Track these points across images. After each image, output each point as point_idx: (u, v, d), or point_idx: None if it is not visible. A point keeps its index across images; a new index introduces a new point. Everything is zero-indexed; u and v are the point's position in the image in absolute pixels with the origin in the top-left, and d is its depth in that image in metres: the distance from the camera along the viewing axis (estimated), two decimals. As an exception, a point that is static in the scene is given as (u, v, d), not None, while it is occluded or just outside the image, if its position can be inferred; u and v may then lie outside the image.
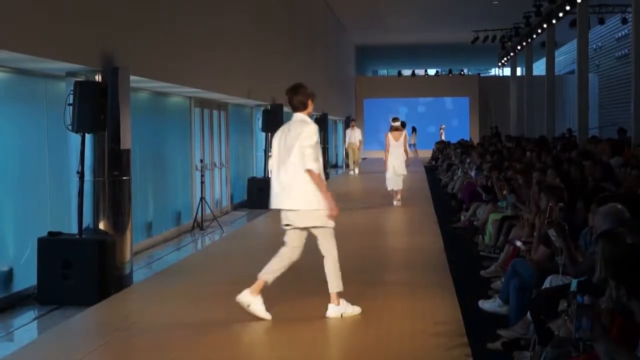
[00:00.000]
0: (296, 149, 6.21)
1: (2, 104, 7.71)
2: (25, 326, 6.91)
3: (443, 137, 34.90)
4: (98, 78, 7.87)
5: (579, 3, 21.35)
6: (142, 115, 10.54)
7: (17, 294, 7.64)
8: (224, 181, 15.43)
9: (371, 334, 6.06)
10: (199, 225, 12.75)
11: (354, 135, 25.67)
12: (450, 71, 41.15)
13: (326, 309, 6.40)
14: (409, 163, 15.59)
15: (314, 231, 6.35)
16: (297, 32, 21.42)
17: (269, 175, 6.30)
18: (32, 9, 6.76)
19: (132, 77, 8.49)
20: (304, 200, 6.20)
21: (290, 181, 6.23)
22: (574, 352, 3.95)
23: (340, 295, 6.39)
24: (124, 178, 8.21)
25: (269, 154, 6.70)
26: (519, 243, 7.03)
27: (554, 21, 24.21)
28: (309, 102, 6.48)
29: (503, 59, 37.48)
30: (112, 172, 8.04)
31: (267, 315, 6.27)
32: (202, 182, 12.88)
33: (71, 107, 7.60)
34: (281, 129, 6.57)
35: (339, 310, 6.36)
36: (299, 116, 6.46)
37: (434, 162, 29.31)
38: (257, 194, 15.94)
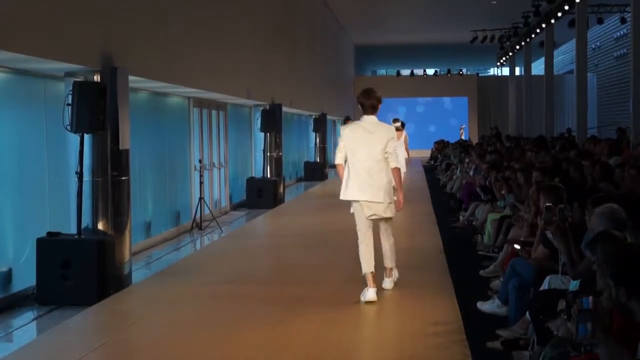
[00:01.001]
0: (383, 149, 6.98)
1: (1, 105, 7.70)
2: (25, 326, 6.90)
3: (463, 137, 34.66)
4: (97, 78, 7.87)
5: (578, 3, 21.31)
6: (141, 116, 10.54)
7: (16, 295, 7.63)
8: (222, 181, 15.43)
9: (371, 334, 6.05)
10: (198, 226, 12.75)
11: None
12: (449, 71, 41.14)
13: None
14: (409, 162, 15.64)
15: (385, 220, 7.27)
16: (296, 32, 21.39)
17: (349, 167, 7.04)
18: (31, 9, 6.75)
19: (131, 77, 8.49)
20: (390, 195, 7.14)
21: (380, 178, 7.00)
22: (573, 352, 3.95)
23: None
24: (123, 178, 8.21)
25: (338, 147, 7.13)
26: (517, 246, 7.03)
27: (552, 21, 24.17)
28: (379, 106, 7.15)
29: (502, 58, 37.48)
30: (111, 173, 8.03)
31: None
32: (201, 182, 12.88)
33: (70, 108, 7.59)
34: (357, 127, 7.11)
35: (392, 282, 7.38)
36: (372, 119, 7.10)
37: (432, 162, 29.30)
38: (256, 194, 15.96)
